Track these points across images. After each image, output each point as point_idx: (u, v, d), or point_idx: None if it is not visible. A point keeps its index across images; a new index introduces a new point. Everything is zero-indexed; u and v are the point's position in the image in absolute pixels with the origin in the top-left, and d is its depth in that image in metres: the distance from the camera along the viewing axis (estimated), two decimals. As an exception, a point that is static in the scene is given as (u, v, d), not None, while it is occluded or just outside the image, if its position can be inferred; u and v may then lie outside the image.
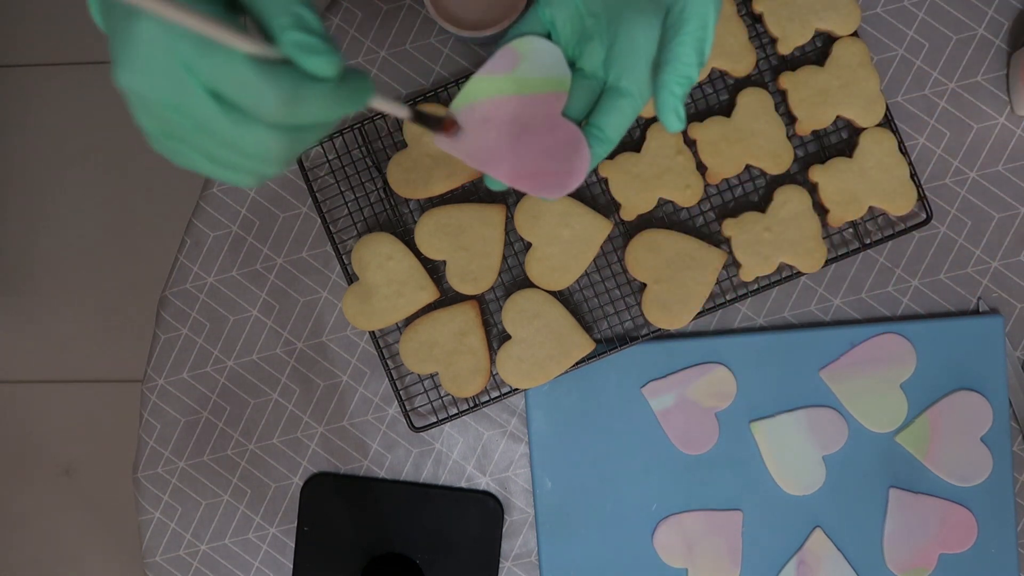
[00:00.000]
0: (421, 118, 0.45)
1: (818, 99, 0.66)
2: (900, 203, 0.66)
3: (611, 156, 0.67)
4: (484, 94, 0.48)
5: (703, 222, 0.69)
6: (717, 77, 0.69)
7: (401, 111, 0.43)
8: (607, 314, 0.69)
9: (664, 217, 0.69)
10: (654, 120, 0.67)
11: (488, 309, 0.69)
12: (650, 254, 0.66)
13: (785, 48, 0.66)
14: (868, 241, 0.68)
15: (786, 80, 0.66)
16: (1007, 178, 0.69)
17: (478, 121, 0.47)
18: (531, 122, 0.47)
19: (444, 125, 0.47)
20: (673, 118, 0.46)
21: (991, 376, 0.68)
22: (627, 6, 0.48)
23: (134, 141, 1.41)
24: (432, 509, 0.70)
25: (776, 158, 0.66)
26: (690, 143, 0.67)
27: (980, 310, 0.69)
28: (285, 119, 0.34)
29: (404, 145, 0.69)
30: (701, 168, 0.67)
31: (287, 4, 0.34)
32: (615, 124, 0.48)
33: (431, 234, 0.67)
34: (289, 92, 0.33)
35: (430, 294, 0.67)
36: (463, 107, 0.48)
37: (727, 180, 0.68)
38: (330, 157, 0.70)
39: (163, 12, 0.30)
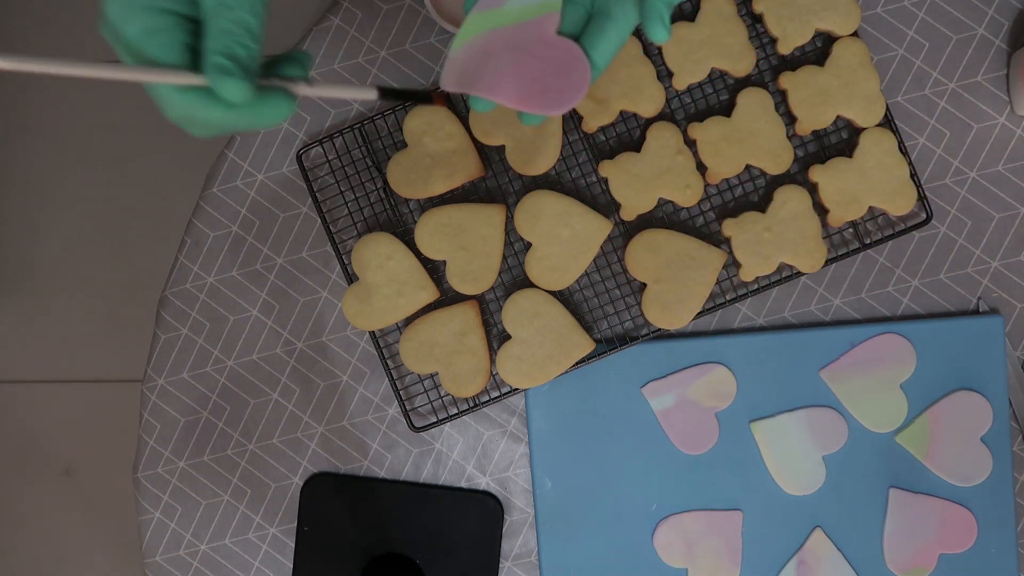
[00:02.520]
0: (395, 95, 0.47)
1: (818, 99, 0.66)
2: (900, 203, 0.66)
3: (611, 156, 0.68)
4: (479, 30, 0.48)
5: (703, 222, 0.69)
6: (717, 77, 0.69)
7: (368, 93, 0.46)
8: (607, 314, 0.69)
9: (664, 217, 0.69)
10: (654, 120, 0.67)
11: (488, 309, 0.69)
12: (650, 254, 0.66)
13: (785, 48, 0.66)
14: (868, 241, 0.68)
15: (786, 80, 0.66)
16: (1007, 178, 0.69)
17: (478, 55, 0.48)
18: (528, 45, 0.48)
19: (433, 98, 0.48)
20: (659, 26, 0.47)
21: (991, 376, 0.67)
22: None
23: (134, 141, 1.41)
24: (432, 509, 0.70)
25: (776, 158, 0.66)
26: (690, 143, 0.67)
27: (980, 310, 0.69)
28: (191, 125, 0.42)
29: (404, 145, 0.69)
30: (701, 168, 0.67)
31: (222, 35, 0.40)
32: (602, 49, 0.48)
33: (431, 234, 0.67)
34: (189, 112, 0.41)
35: (430, 294, 0.67)
36: (462, 46, 0.49)
37: (727, 180, 0.68)
38: (330, 157, 0.70)
39: (98, 74, 0.39)
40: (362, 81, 0.71)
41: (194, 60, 0.41)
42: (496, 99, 0.48)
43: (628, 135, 0.69)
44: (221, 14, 0.41)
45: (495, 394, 0.69)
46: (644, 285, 0.67)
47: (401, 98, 0.48)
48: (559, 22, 0.48)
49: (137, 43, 0.41)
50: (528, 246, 0.67)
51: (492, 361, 0.68)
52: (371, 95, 0.46)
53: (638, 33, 0.68)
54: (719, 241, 0.68)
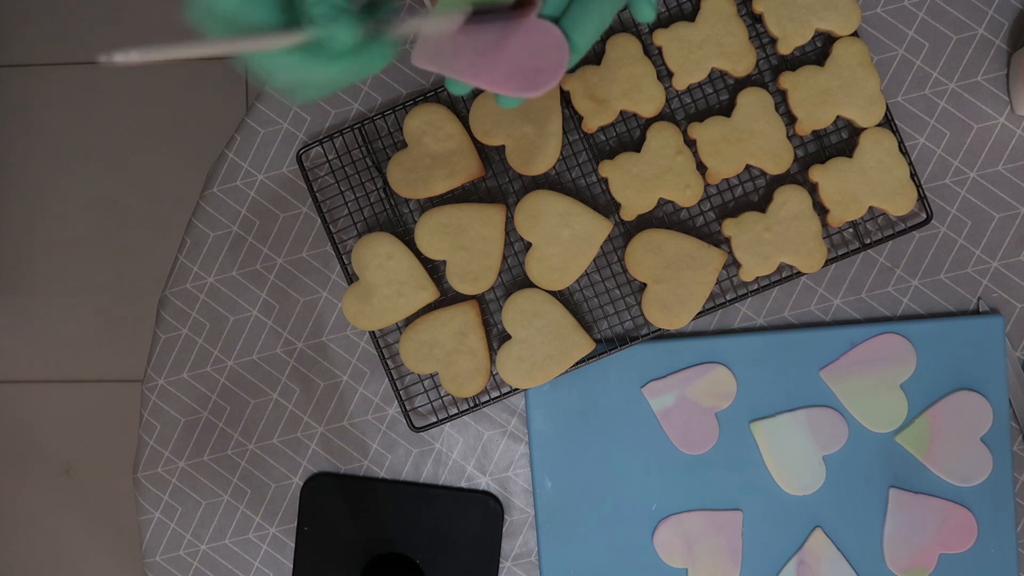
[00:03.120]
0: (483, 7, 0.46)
1: (818, 99, 0.66)
2: (900, 203, 0.66)
3: (611, 156, 0.68)
4: (457, 6, 0.47)
5: (703, 222, 0.69)
6: (717, 77, 0.69)
7: (456, 15, 0.45)
8: (607, 314, 0.69)
9: (664, 217, 0.69)
10: (654, 120, 0.67)
11: (488, 309, 0.70)
12: (650, 254, 0.66)
13: (785, 48, 0.66)
14: (868, 241, 0.68)
15: (786, 80, 0.66)
16: (1007, 178, 0.69)
17: (453, 35, 0.47)
18: (507, 26, 0.47)
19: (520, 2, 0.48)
20: (646, 7, 0.47)
21: (991, 376, 0.68)
22: None
23: (134, 141, 1.41)
24: (432, 509, 0.70)
25: (776, 158, 0.66)
26: (690, 143, 0.67)
27: (980, 310, 0.69)
28: (301, 88, 0.42)
29: (404, 145, 0.69)
30: (701, 168, 0.67)
31: None
32: (583, 30, 0.47)
33: (431, 234, 0.67)
34: (300, 73, 0.41)
35: (430, 294, 0.67)
36: (434, 25, 0.48)
37: (727, 180, 0.68)
38: (330, 157, 0.70)
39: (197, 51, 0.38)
40: (361, 82, 0.71)
41: (293, 20, 0.41)
42: (472, 81, 0.47)
43: (628, 135, 0.69)
44: None
45: (495, 394, 0.69)
46: (644, 285, 0.67)
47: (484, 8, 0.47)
48: (541, 3, 0.47)
49: (235, 13, 0.40)
50: (528, 246, 0.67)
51: (492, 361, 0.68)
52: (459, 21, 0.45)
53: (638, 33, 0.68)
54: (719, 241, 0.68)
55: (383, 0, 0.44)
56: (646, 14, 0.47)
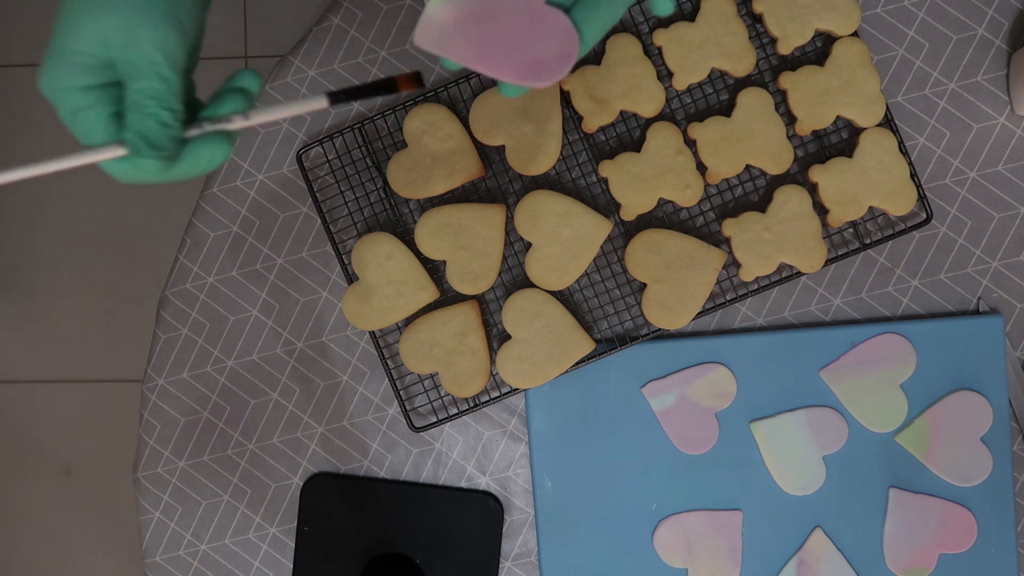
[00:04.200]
0: (350, 95, 0.45)
1: (818, 99, 0.66)
2: (900, 203, 0.66)
3: (611, 156, 0.68)
4: None
5: (703, 222, 0.69)
6: (717, 77, 0.69)
7: (317, 103, 0.45)
8: (607, 314, 0.69)
9: (664, 217, 0.69)
10: (654, 120, 0.67)
11: (488, 309, 0.69)
12: (650, 254, 0.66)
13: (785, 48, 0.66)
14: (868, 241, 0.68)
15: (786, 80, 0.66)
16: (1007, 178, 0.69)
17: (459, 16, 0.46)
18: (514, 11, 0.46)
19: (398, 83, 0.46)
20: (665, 0, 0.46)
21: (991, 376, 0.67)
22: None
23: (134, 141, 1.41)
24: (432, 509, 0.70)
25: (776, 158, 0.66)
26: (690, 143, 0.67)
27: (980, 310, 0.69)
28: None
29: (404, 145, 0.69)
30: (701, 168, 0.67)
31: (133, 110, 0.42)
32: (593, 23, 0.46)
33: (431, 234, 0.67)
34: (130, 177, 0.44)
35: (430, 294, 0.67)
36: (442, 3, 0.46)
37: (727, 180, 0.68)
38: (330, 157, 0.70)
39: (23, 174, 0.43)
40: (361, 81, 0.71)
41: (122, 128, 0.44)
42: (477, 67, 0.46)
43: (628, 135, 0.69)
44: (131, 84, 0.42)
45: (495, 394, 0.69)
46: (644, 285, 0.67)
47: (359, 95, 0.45)
48: None
49: (68, 123, 0.43)
50: (528, 246, 0.67)
51: (492, 361, 0.68)
52: (321, 104, 0.45)
53: (638, 33, 0.68)
54: (719, 241, 0.68)
55: (231, 92, 0.46)
56: (664, 7, 0.46)
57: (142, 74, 0.42)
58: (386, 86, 0.46)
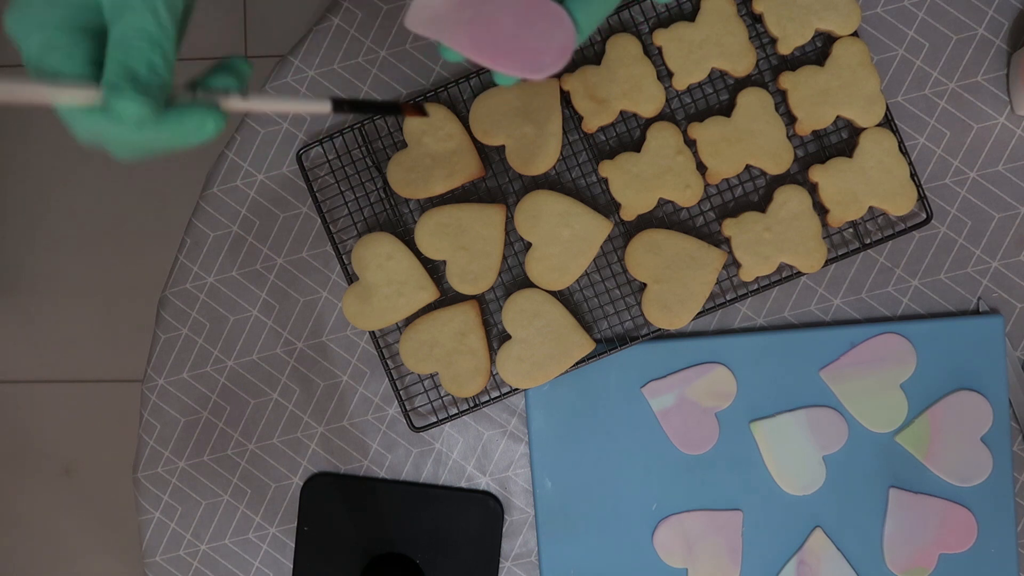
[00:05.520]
0: (354, 106, 0.43)
1: (818, 99, 0.66)
2: (900, 203, 0.66)
3: (611, 156, 0.68)
4: None
5: (703, 222, 0.69)
6: (717, 77, 0.69)
7: (320, 106, 0.43)
8: (607, 314, 0.69)
9: (664, 217, 0.69)
10: (654, 120, 0.67)
11: (488, 309, 0.70)
12: (650, 254, 0.66)
13: (785, 48, 0.66)
14: (868, 241, 0.68)
15: (786, 80, 0.66)
16: (1007, 178, 0.69)
17: (453, 2, 0.45)
18: (511, 4, 0.45)
19: (403, 110, 0.46)
20: None
21: (991, 376, 0.68)
22: None
23: (134, 141, 1.41)
24: (432, 509, 0.70)
25: (776, 158, 0.66)
26: (690, 143, 0.67)
27: (980, 310, 0.69)
28: (106, 146, 0.38)
29: (404, 145, 0.69)
30: (701, 168, 0.67)
31: (118, 47, 0.36)
32: (590, 11, 0.45)
33: (431, 234, 0.67)
34: (95, 132, 0.37)
35: (430, 294, 0.67)
36: None
37: (727, 180, 0.68)
38: (330, 157, 0.70)
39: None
40: (362, 81, 0.71)
41: (99, 75, 0.37)
42: (471, 55, 0.45)
43: (628, 135, 0.69)
44: (118, 20, 0.36)
45: (495, 394, 0.69)
46: (644, 285, 0.67)
47: (362, 109, 0.44)
48: None
49: (36, 62, 0.37)
50: (528, 246, 0.67)
51: (492, 361, 0.68)
52: (324, 108, 0.43)
53: (638, 33, 0.68)
54: (719, 241, 0.68)
55: (224, 69, 0.41)
56: None
57: (132, 9, 0.36)
58: (390, 108, 0.45)
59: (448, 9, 0.45)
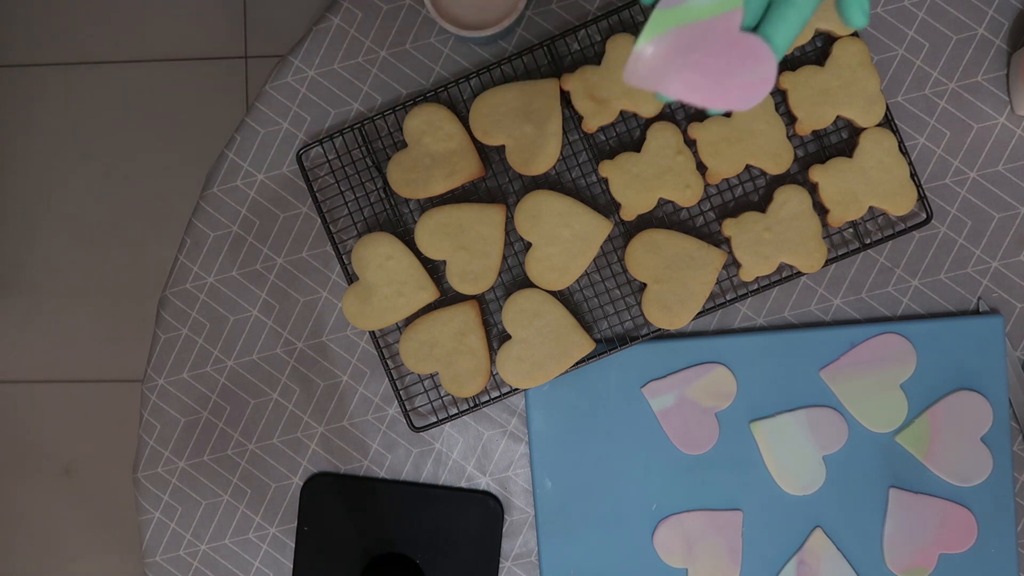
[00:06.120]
0: None
1: (818, 99, 0.66)
2: (900, 203, 0.66)
3: (611, 156, 0.68)
4: (665, 26, 0.49)
5: (703, 222, 0.69)
6: (717, 77, 0.69)
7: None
8: (607, 314, 0.69)
9: (664, 217, 0.69)
10: (654, 120, 0.67)
11: (488, 309, 0.70)
12: (650, 254, 0.66)
13: (867, 23, 0.66)
14: (868, 241, 0.68)
15: (786, 80, 0.66)
16: (1007, 178, 0.69)
17: (665, 51, 0.49)
18: (714, 42, 0.49)
19: None
20: (859, 13, 0.48)
21: (991, 376, 0.68)
22: None
23: (134, 141, 1.41)
24: (432, 509, 0.70)
25: (776, 158, 0.66)
26: (690, 143, 0.67)
27: (980, 310, 0.69)
28: None
29: (404, 145, 0.69)
30: (701, 168, 0.67)
31: None
32: (783, 33, 0.49)
33: (431, 234, 0.67)
34: None
35: (430, 294, 0.67)
36: (648, 41, 0.50)
37: (727, 180, 0.69)
38: (330, 157, 0.70)
39: None
40: (362, 81, 0.71)
41: None
42: (687, 98, 0.49)
43: (628, 135, 0.69)
44: None
45: (495, 394, 0.69)
46: (644, 285, 0.67)
47: None
48: (742, 17, 0.49)
49: None
50: (528, 246, 0.67)
51: (492, 361, 0.68)
52: None
53: (639, 33, 0.68)
54: (719, 241, 0.68)
55: None
56: (859, 21, 0.49)
57: None
58: None
59: (661, 60, 0.49)
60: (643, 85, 0.49)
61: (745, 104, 0.49)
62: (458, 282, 0.67)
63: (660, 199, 0.68)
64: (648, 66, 0.49)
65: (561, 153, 0.67)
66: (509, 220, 0.69)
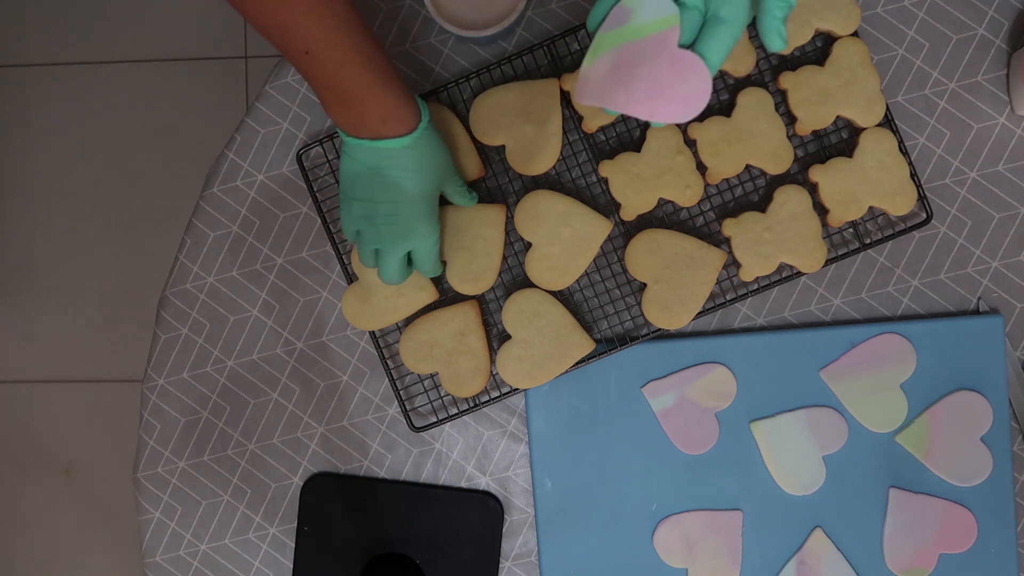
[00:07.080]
0: None
1: (818, 99, 0.66)
2: (900, 203, 0.66)
3: (611, 156, 0.68)
4: (608, 46, 0.53)
5: (703, 222, 0.69)
6: (717, 77, 0.69)
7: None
8: (607, 314, 0.69)
9: (664, 217, 0.69)
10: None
11: (488, 309, 0.69)
12: (650, 254, 0.66)
13: (785, 48, 0.66)
14: (868, 241, 0.68)
15: (786, 80, 0.66)
16: (1007, 178, 0.69)
17: (608, 70, 0.52)
18: (653, 58, 0.52)
19: None
20: (777, 39, 0.51)
21: (991, 376, 0.68)
22: None
23: (134, 141, 1.41)
24: (432, 509, 0.70)
25: (776, 158, 0.66)
26: (690, 143, 0.67)
27: (980, 310, 0.69)
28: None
29: (404, 145, 0.69)
30: (701, 168, 0.67)
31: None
32: (716, 50, 0.52)
33: (431, 234, 0.67)
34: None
35: (430, 294, 0.67)
36: (593, 62, 0.53)
37: (727, 180, 0.68)
38: (330, 157, 0.70)
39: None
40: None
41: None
42: (630, 112, 0.52)
43: (628, 135, 0.69)
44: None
45: (495, 394, 0.69)
46: (644, 285, 0.67)
47: None
48: (679, 35, 0.52)
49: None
50: (528, 246, 0.67)
51: (492, 361, 0.68)
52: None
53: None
54: (719, 241, 0.68)
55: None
56: (777, 45, 0.51)
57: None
58: None
59: (605, 78, 0.52)
60: (591, 102, 0.53)
61: (683, 116, 0.52)
62: (458, 282, 0.67)
63: (660, 199, 0.68)
64: (594, 85, 0.53)
65: (561, 153, 0.67)
66: (509, 220, 0.69)
